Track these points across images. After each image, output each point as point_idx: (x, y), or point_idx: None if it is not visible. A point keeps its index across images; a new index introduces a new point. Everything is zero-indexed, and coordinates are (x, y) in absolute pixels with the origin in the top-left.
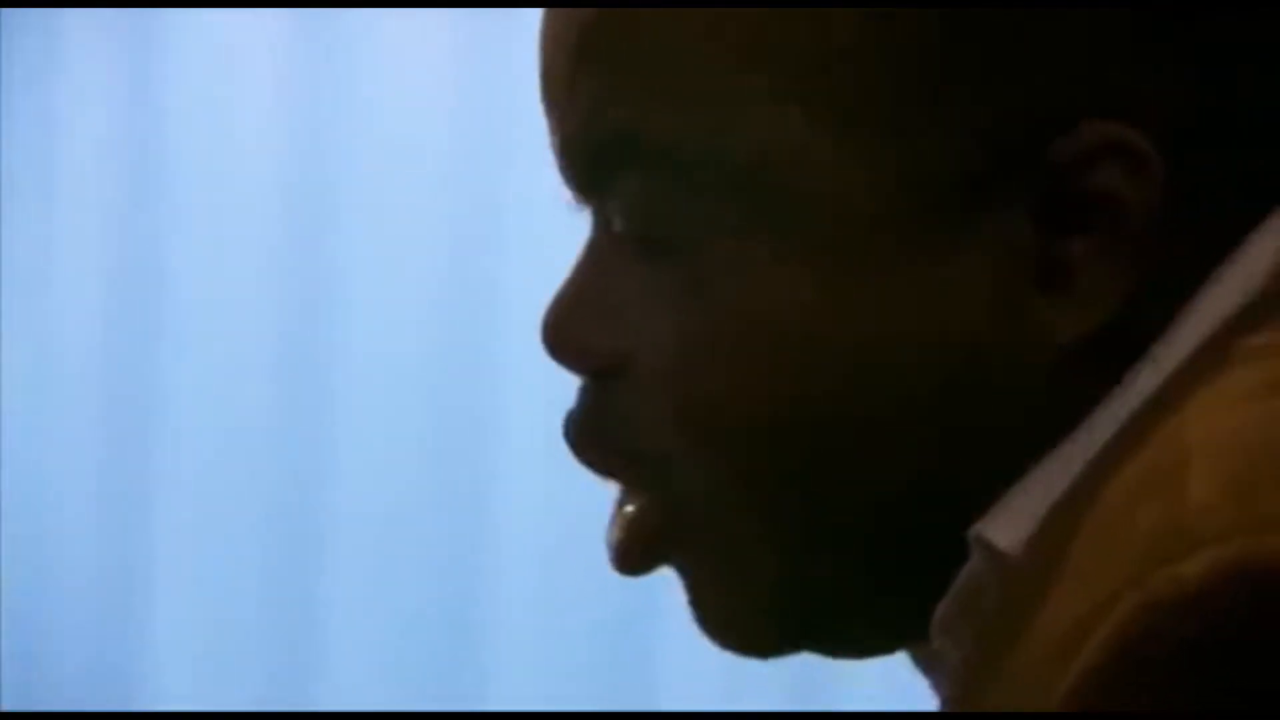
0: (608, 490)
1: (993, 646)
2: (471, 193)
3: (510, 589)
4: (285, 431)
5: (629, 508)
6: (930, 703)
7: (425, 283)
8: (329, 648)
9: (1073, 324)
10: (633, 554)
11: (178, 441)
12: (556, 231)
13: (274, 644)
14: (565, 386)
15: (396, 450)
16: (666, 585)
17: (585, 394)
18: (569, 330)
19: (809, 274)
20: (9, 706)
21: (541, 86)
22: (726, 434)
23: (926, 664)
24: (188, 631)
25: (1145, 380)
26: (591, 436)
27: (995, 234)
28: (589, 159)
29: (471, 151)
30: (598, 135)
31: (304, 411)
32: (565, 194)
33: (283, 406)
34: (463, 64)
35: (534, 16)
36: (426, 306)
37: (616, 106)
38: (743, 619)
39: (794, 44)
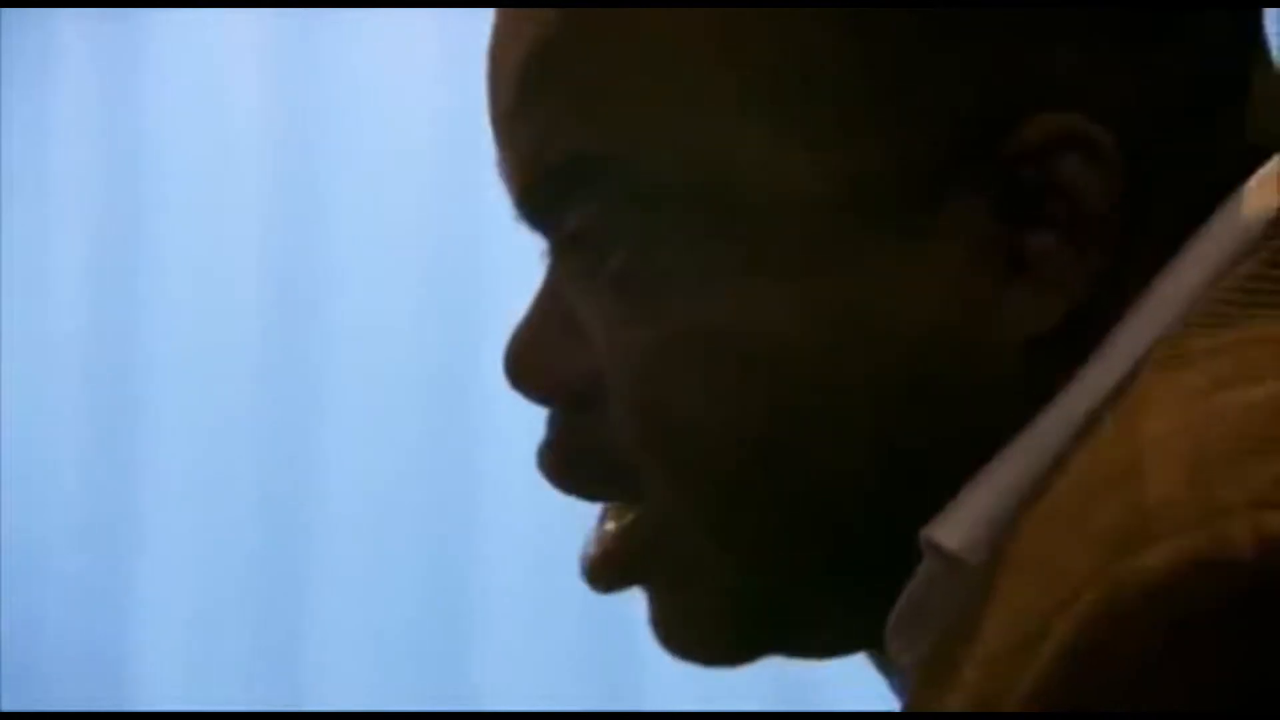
0: None
1: (947, 646)
2: (459, 193)
3: (498, 584)
4: (273, 430)
5: (609, 525)
6: None
7: (412, 281)
8: (316, 643)
9: (1036, 314)
10: (608, 571)
11: (165, 438)
12: None
13: (261, 639)
14: None
15: (384, 445)
16: None
17: (555, 424)
18: (531, 363)
19: (780, 282)
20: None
21: (490, 106)
22: (699, 450)
23: (885, 667)
24: (175, 627)
25: (1095, 379)
26: (566, 465)
27: (961, 231)
28: (544, 183)
29: (459, 153)
30: (553, 157)
31: (291, 409)
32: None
33: (270, 405)
34: (450, 65)
35: None
36: (414, 305)
37: (573, 127)
38: (707, 635)
39: (761, 50)
